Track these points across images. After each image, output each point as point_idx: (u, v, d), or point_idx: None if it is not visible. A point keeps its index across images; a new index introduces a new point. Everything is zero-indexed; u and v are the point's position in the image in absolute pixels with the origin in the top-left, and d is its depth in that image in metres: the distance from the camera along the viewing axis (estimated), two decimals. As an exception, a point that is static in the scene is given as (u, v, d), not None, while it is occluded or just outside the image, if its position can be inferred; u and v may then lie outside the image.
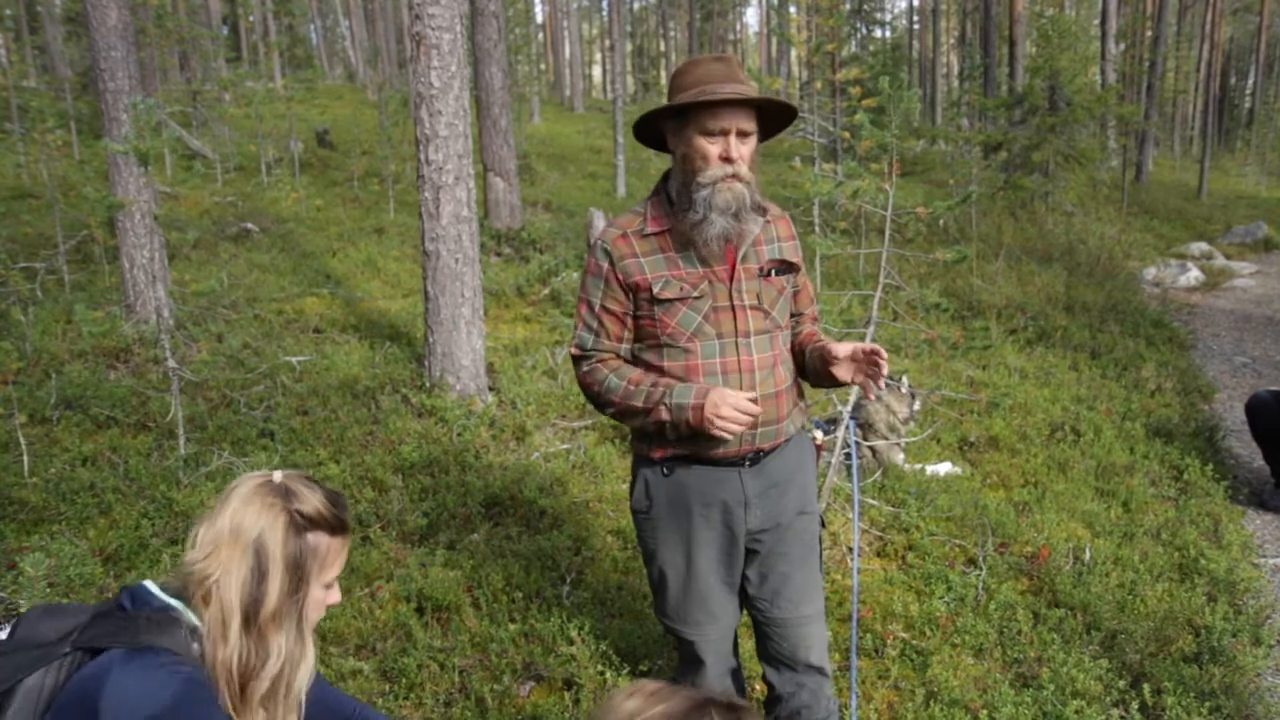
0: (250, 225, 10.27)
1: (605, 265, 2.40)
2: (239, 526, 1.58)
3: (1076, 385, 7.08)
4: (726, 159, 2.28)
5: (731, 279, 2.36)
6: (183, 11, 16.96)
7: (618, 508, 4.63)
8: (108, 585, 3.50)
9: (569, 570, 3.91)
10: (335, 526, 1.67)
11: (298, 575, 1.62)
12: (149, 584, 1.62)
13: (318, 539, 1.64)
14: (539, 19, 50.00)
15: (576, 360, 2.51)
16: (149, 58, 14.60)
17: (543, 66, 44.50)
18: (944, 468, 5.40)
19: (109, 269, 7.94)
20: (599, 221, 7.82)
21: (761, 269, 2.40)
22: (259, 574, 1.57)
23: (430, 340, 5.53)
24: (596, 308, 2.44)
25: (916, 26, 49.55)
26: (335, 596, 1.74)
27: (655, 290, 2.34)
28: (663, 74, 58.99)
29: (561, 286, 7.66)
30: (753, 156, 2.35)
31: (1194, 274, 12.56)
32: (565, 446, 5.33)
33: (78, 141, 13.62)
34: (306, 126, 16.73)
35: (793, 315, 2.58)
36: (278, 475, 1.66)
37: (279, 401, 5.44)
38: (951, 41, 47.37)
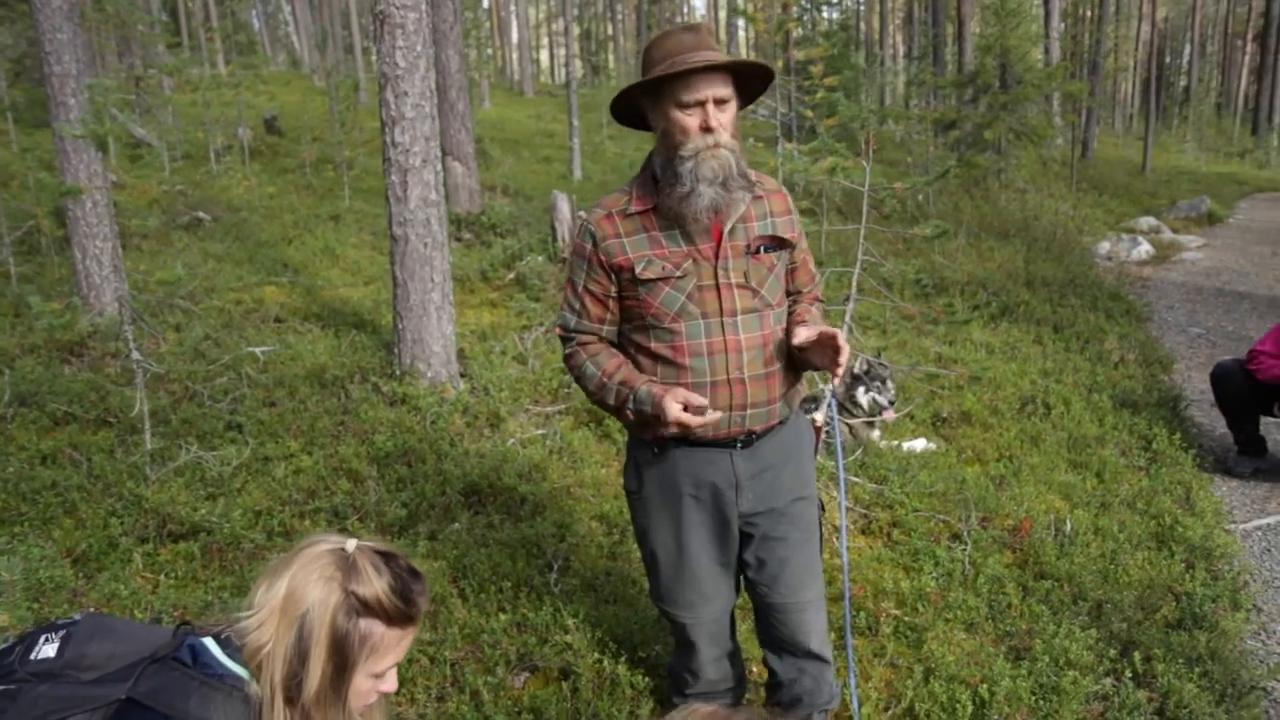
0: (202, 214, 10.02)
1: (588, 246, 2.36)
2: (293, 595, 1.47)
3: (1042, 359, 7.14)
4: (706, 128, 2.21)
5: (717, 256, 2.30)
6: (121, -5, 16.49)
7: (598, 492, 4.57)
8: (81, 589, 3.38)
9: (555, 557, 3.85)
10: (396, 616, 1.54)
11: (341, 661, 1.49)
12: (210, 644, 1.50)
13: (371, 626, 1.51)
14: (485, 3, 49.44)
15: (562, 340, 2.49)
16: (87, 43, 14.17)
17: (489, 51, 44.02)
18: (919, 444, 5.41)
19: (58, 260, 7.68)
20: (562, 204, 7.73)
21: (749, 245, 2.34)
22: (300, 653, 1.46)
23: (399, 327, 5.42)
24: (579, 288, 2.40)
25: (862, 7, 49.78)
26: (390, 685, 1.60)
27: (637, 270, 2.29)
28: (610, 57, 58.70)
29: (526, 271, 7.57)
30: (734, 123, 2.29)
31: (1145, 248, 12.77)
32: (540, 432, 5.26)
33: (15, 130, 13.19)
34: (254, 113, 16.36)
35: (789, 294, 2.53)
36: (351, 544, 1.53)
37: (245, 393, 5.30)
38: (898, 22, 47.66)
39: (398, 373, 5.48)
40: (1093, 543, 4.24)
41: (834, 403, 4.50)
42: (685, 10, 70.12)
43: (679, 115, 2.23)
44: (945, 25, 21.90)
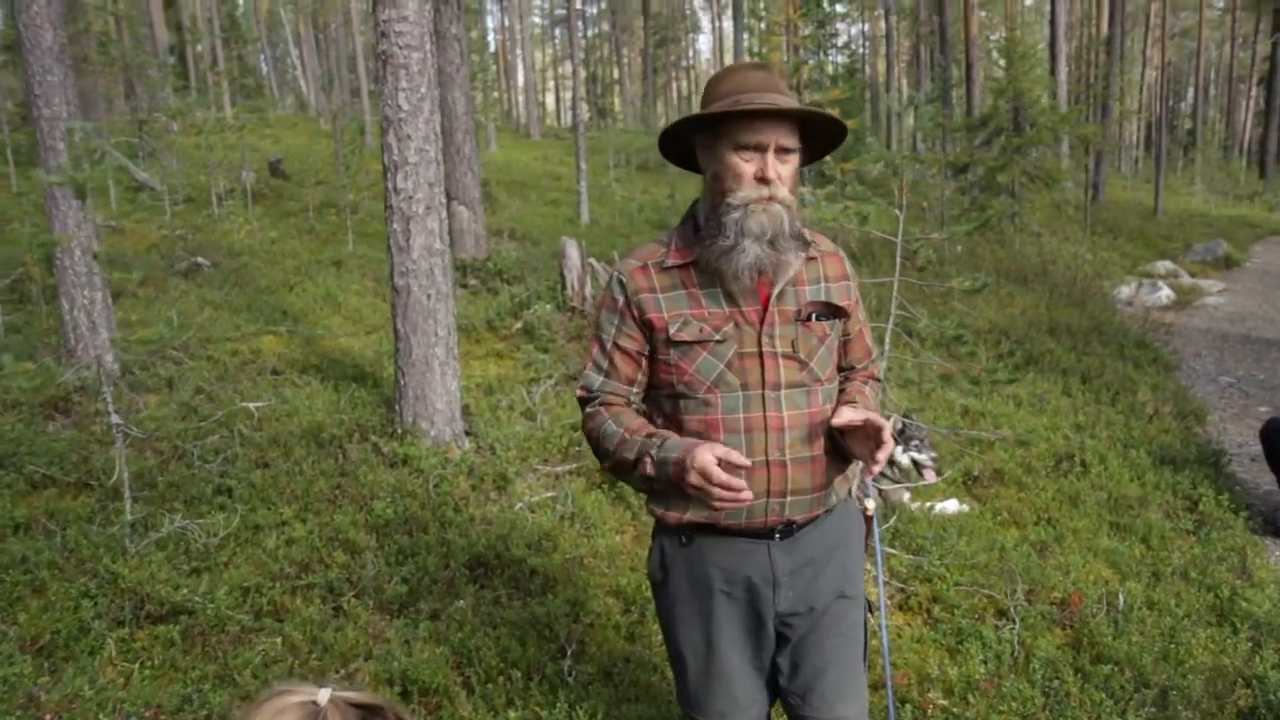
0: (201, 259, 9.79)
1: (620, 299, 2.07)
2: None
3: (1073, 412, 6.84)
4: (762, 179, 1.95)
5: (762, 322, 2.01)
6: (127, 39, 16.41)
7: (613, 563, 4.25)
8: (41, 688, 3.05)
9: (569, 640, 3.52)
10: None
11: None
12: None
13: None
14: (491, 46, 49.86)
15: (582, 403, 2.17)
16: (92, 86, 14.07)
17: (495, 94, 44.26)
18: (951, 505, 5.10)
19: (47, 309, 7.43)
20: (572, 251, 7.48)
21: (799, 312, 2.05)
22: None
23: (401, 383, 5.13)
24: (608, 345, 2.10)
25: (866, 51, 50.07)
26: None
27: (671, 331, 2.01)
28: (616, 100, 59.04)
29: (535, 320, 7.29)
30: (794, 179, 2.02)
31: (1165, 293, 12.49)
32: (550, 494, 4.95)
33: (15, 173, 13.02)
34: (259, 156, 16.22)
35: (841, 369, 2.24)
36: (324, 695, 1.24)
37: (237, 453, 5.00)
38: (903, 65, 47.87)
39: (399, 431, 5.17)
40: (1148, 618, 3.91)
41: (873, 490, 4.20)
42: (690, 55, 70.75)
43: (734, 159, 1.96)
44: (951, 69, 21.87)
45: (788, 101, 1.96)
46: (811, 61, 13.37)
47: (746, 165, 1.96)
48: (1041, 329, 9.11)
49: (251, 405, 5.65)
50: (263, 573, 3.91)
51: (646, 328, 2.06)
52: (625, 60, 55.90)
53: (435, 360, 5.11)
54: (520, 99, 53.69)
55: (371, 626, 3.60)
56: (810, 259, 2.10)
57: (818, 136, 2.08)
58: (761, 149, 1.95)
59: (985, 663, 3.53)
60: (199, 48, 26.11)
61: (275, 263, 9.88)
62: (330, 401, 5.79)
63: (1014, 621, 3.81)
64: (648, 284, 2.06)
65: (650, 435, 2.00)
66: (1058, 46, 22.40)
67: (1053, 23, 22.98)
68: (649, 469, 1.95)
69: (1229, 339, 10.55)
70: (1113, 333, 9.27)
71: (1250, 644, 3.81)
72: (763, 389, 2.02)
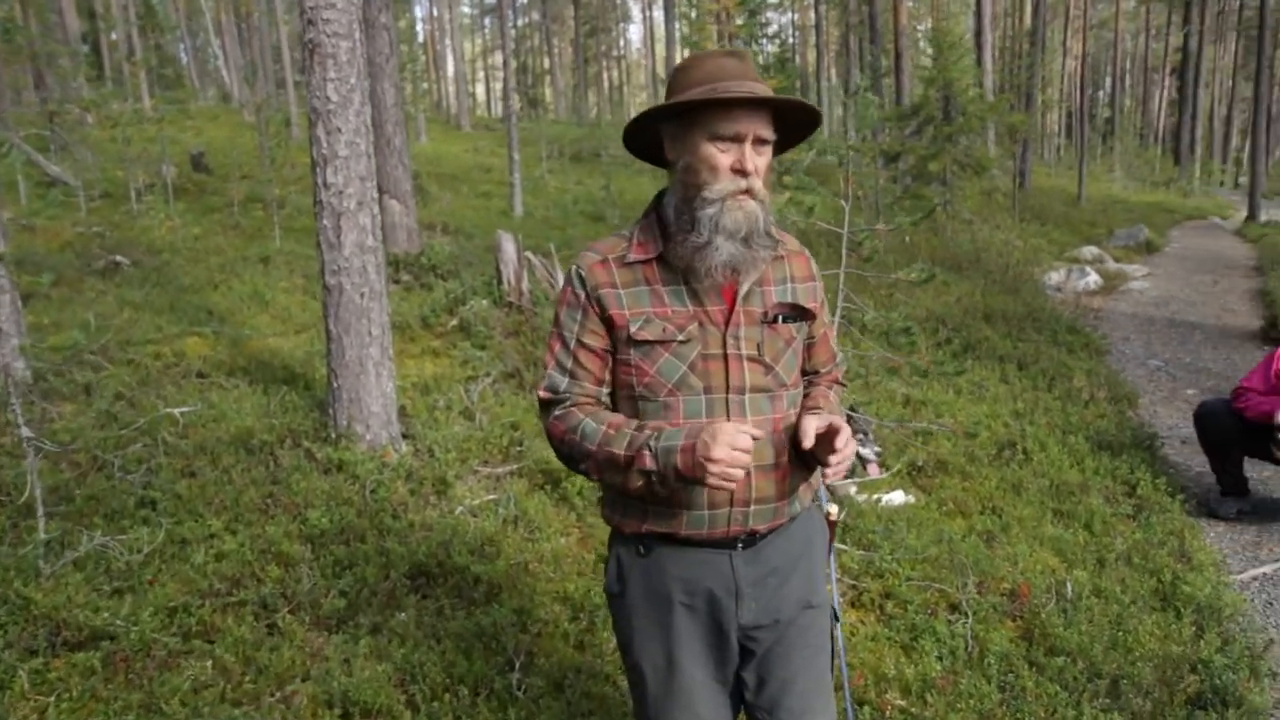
0: (120, 258, 9.38)
1: (581, 294, 1.96)
2: None
3: (1011, 400, 6.89)
4: (740, 170, 1.85)
5: (728, 322, 1.92)
6: (35, 26, 15.73)
7: (559, 568, 4.14)
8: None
9: (517, 652, 3.40)
10: None
11: None
12: None
13: None
14: (420, 37, 49.07)
15: (545, 406, 2.03)
16: (-5, 77, 13.46)
17: (425, 86, 43.55)
18: (898, 496, 5.08)
19: (-45, 314, 7.04)
20: (507, 245, 7.31)
21: (766, 313, 1.96)
22: None
23: (334, 385, 4.93)
24: (572, 343, 1.98)
25: (795, 41, 50.42)
26: None
27: (632, 329, 1.91)
28: (548, 91, 58.58)
29: (471, 316, 7.11)
30: (768, 171, 1.93)
31: (1093, 278, 12.75)
32: (492, 497, 4.81)
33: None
34: (180, 149, 15.66)
35: (806, 373, 2.15)
36: None
37: (161, 462, 4.76)
38: (832, 54, 48.26)
39: (333, 435, 4.97)
40: (1096, 606, 3.93)
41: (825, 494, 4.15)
42: (621, 44, 70.56)
43: (711, 150, 1.86)
44: (880, 58, 22.05)
45: (767, 90, 1.86)
46: (756, 48, 13.32)
47: (723, 156, 1.86)
48: (977, 316, 9.20)
49: (176, 411, 5.39)
50: (191, 590, 3.71)
51: (607, 324, 1.95)
52: (556, 50, 55.40)
53: (370, 361, 4.93)
54: (450, 90, 53.01)
55: (309, 644, 3.43)
56: (777, 258, 2.01)
57: (790, 127, 1.98)
58: (739, 140, 1.85)
59: (940, 659, 3.50)
60: (113, 36, 25.21)
61: (199, 260, 9.52)
62: (260, 405, 5.56)
63: (966, 615, 3.78)
64: (608, 279, 1.95)
65: (639, 428, 1.88)
66: (983, 37, 22.77)
67: (978, 13, 23.36)
68: (648, 462, 1.82)
69: (1155, 323, 10.79)
70: (1046, 319, 9.39)
71: (1194, 628, 3.84)
72: (726, 393, 1.93)
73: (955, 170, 14.94)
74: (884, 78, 20.56)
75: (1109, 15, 51.51)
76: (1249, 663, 3.59)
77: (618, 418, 1.94)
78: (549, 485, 5.01)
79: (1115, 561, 4.40)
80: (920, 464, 5.54)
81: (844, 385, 2.29)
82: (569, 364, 1.99)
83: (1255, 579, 4.57)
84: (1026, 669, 3.45)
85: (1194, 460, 6.16)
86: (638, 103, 73.41)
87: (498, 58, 70.97)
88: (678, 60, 29.73)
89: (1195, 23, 40.25)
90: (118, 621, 3.38)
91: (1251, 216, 22.87)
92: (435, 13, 54.24)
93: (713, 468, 1.72)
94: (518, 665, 3.33)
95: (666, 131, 1.96)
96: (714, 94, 1.82)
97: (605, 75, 66.61)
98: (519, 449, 5.39)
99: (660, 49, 56.89)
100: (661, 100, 1.95)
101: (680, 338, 1.90)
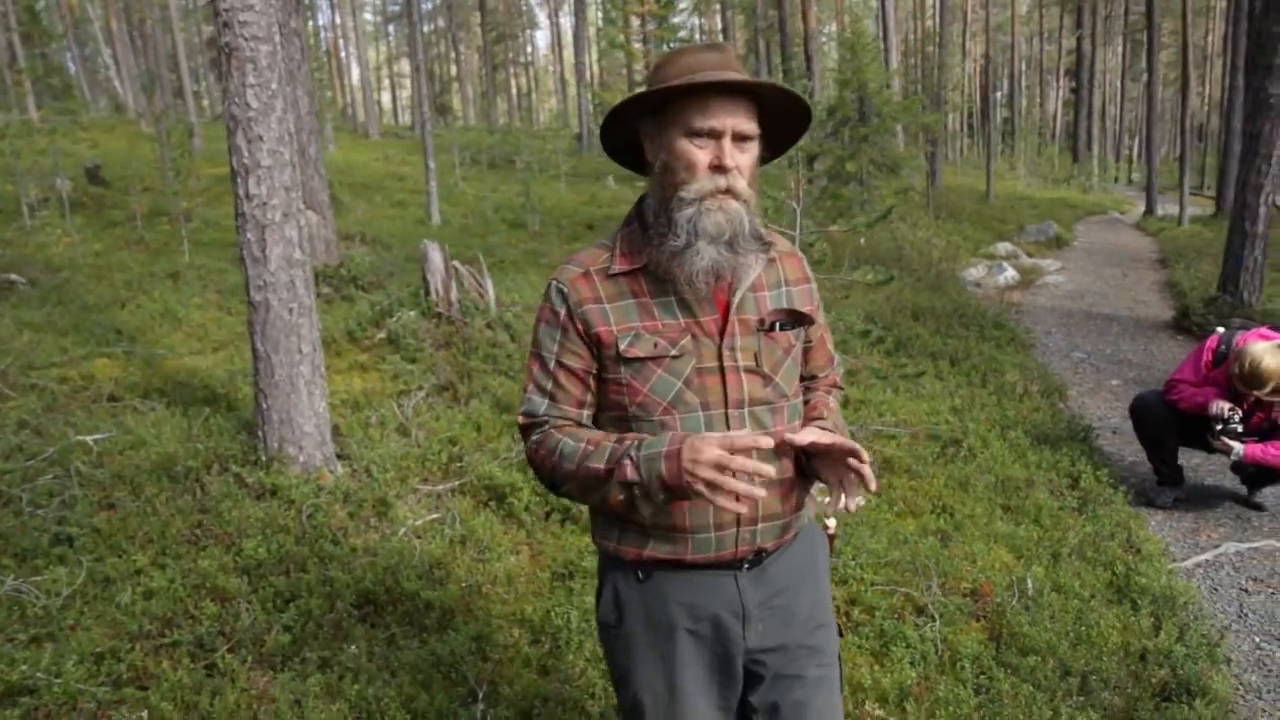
0: (15, 277, 8.86)
1: (561, 311, 1.82)
2: None
3: (948, 396, 6.93)
4: (718, 168, 1.72)
5: (722, 333, 1.80)
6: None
7: (512, 589, 3.97)
8: None
9: (478, 682, 3.22)
10: None
11: None
12: None
13: None
14: (323, 44, 48.01)
15: (526, 431, 1.89)
16: None
17: (330, 93, 42.63)
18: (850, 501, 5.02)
19: None
20: (434, 254, 7.08)
21: (762, 321, 1.84)
22: None
23: (263, 406, 4.66)
24: (551, 364, 1.84)
25: (703, 40, 50.73)
26: None
27: (622, 346, 1.77)
28: (455, 99, 57.95)
29: (399, 328, 6.86)
30: (753, 170, 1.78)
31: (1010, 273, 13.02)
32: (435, 516, 4.61)
33: None
34: (74, 162, 14.93)
35: (803, 378, 2.04)
36: None
37: (76, 495, 4.43)
38: (740, 58, 48.66)
39: (263, 459, 4.70)
40: (1056, 602, 3.92)
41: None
42: (529, 51, 70.22)
43: (687, 146, 1.73)
44: (792, 61, 22.26)
45: (747, 79, 1.73)
46: (665, 49, 13.23)
47: (700, 153, 1.73)
48: (906, 314, 9.28)
49: (89, 438, 5.07)
50: (119, 634, 3.43)
51: (593, 343, 1.81)
52: (463, 58, 54.81)
53: (300, 379, 4.68)
54: (358, 97, 51.99)
55: (254, 685, 3.19)
56: (770, 261, 1.89)
57: (778, 123, 1.86)
58: (716, 135, 1.72)
59: (914, 665, 3.43)
60: (-4, 45, 24.04)
61: (102, 277, 9.04)
62: (181, 429, 5.25)
63: (934, 618, 3.73)
64: (592, 293, 1.81)
65: (620, 440, 1.74)
66: (889, 40, 23.22)
67: (883, 17, 23.83)
68: (629, 473, 1.67)
69: (1073, 315, 11.05)
70: (972, 315, 9.53)
71: (1152, 619, 3.87)
72: (725, 408, 1.80)
73: (871, 170, 15.12)
74: (799, 80, 20.77)
75: (1005, 19, 53.16)
76: (1207, 651, 3.63)
77: (597, 434, 1.81)
78: (494, 501, 4.83)
79: (1069, 556, 4.41)
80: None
81: (842, 389, 2.18)
82: (548, 386, 1.85)
83: (1199, 565, 4.64)
84: (1000, 671, 3.40)
85: (1125, 450, 6.27)
86: (547, 108, 73.13)
87: (403, 65, 70.02)
88: (588, 64, 29.58)
89: (1087, 26, 41.76)
90: (38, 674, 3.10)
91: (1149, 211, 23.75)
92: (338, 20, 53.24)
93: (702, 471, 1.57)
94: (481, 696, 3.15)
95: (644, 131, 1.83)
96: (684, 80, 1.70)
97: (513, 82, 66.19)
98: (459, 465, 5.19)
99: (568, 55, 56.80)
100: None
101: (673, 352, 1.78)
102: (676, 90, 1.72)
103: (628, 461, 1.68)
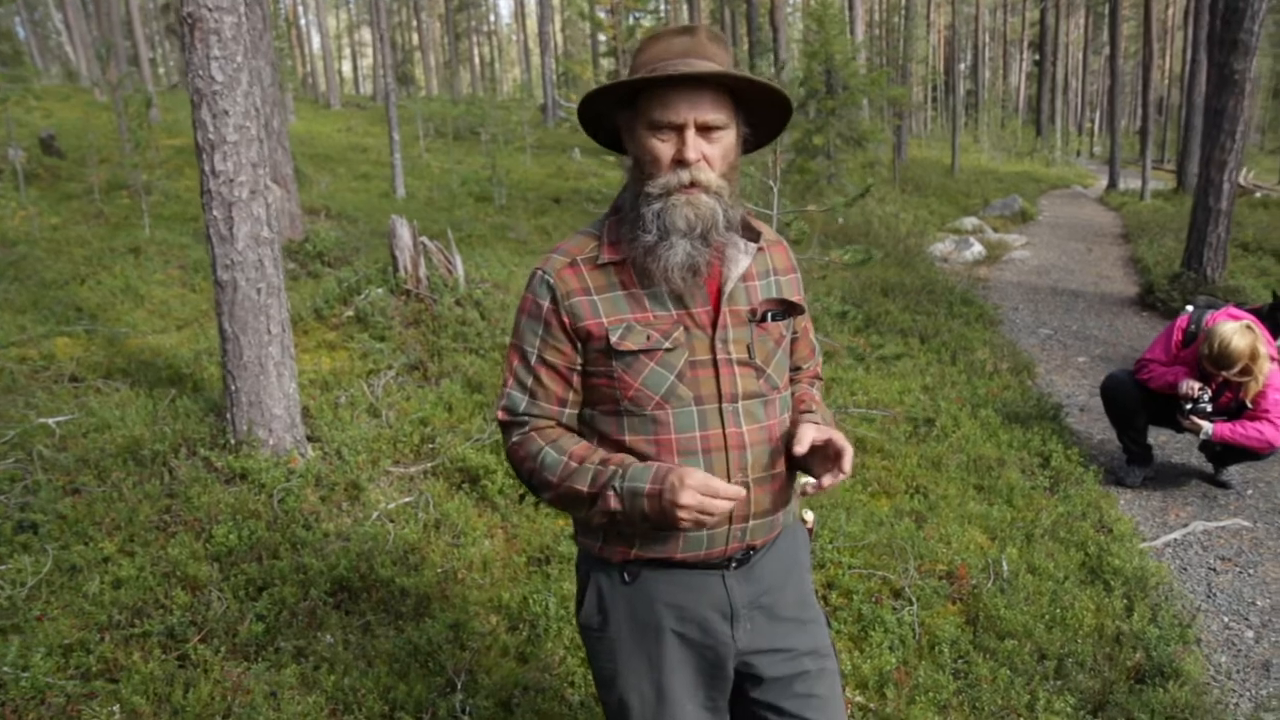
0: (-32, 252, 8.63)
1: (546, 303, 1.77)
2: None
3: (918, 373, 6.95)
4: (680, 161, 1.67)
5: (714, 325, 1.76)
6: None
7: (489, 574, 3.93)
8: None
9: (457, 671, 3.19)
10: None
11: None
12: None
13: None
14: (282, 12, 47.01)
15: (505, 428, 1.85)
16: None
17: (289, 62, 41.80)
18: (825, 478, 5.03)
19: None
20: (402, 230, 6.96)
21: (754, 311, 1.81)
22: None
23: (231, 388, 4.56)
24: (533, 359, 1.80)
25: (667, 13, 50.32)
26: None
27: (613, 339, 1.73)
28: (418, 69, 57.09)
29: (367, 306, 6.75)
30: (726, 159, 1.73)
31: (977, 249, 13.07)
32: (408, 499, 4.56)
33: None
34: (27, 132, 14.55)
35: (789, 369, 2.01)
36: None
37: (39, 479, 4.31)
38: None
39: (232, 442, 4.60)
40: (1031, 583, 3.95)
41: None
42: (492, 19, 69.27)
43: (651, 141, 1.69)
44: (759, 33, 22.14)
45: (705, 65, 1.67)
46: (632, 20, 13.10)
47: (664, 147, 1.68)
48: (876, 291, 9.29)
49: (51, 421, 4.95)
50: (87, 624, 3.35)
51: (581, 337, 1.76)
52: (425, 26, 53.89)
53: (270, 361, 4.58)
54: (319, 67, 51.10)
55: (227, 676, 3.13)
56: (758, 250, 1.85)
57: (756, 111, 1.79)
58: (676, 127, 1.67)
59: (892, 650, 3.44)
60: (-56, 10, 23.28)
61: (61, 252, 8.82)
62: (147, 411, 5.13)
63: (911, 602, 3.75)
64: (580, 285, 1.76)
65: (604, 462, 1.72)
66: (854, 11, 23.15)
67: (849, -12, 23.74)
68: (612, 503, 1.68)
69: (1039, 291, 11.13)
70: (941, 291, 9.56)
71: (1125, 600, 3.91)
72: (719, 402, 1.77)
73: (838, 143, 15.10)
74: (766, 51, 20.66)
75: (969, -11, 53.19)
76: (1179, 633, 3.67)
77: (580, 447, 1.77)
78: (467, 484, 4.78)
79: (1042, 537, 4.45)
80: (840, 444, 5.50)
81: (821, 380, 2.16)
82: (529, 382, 1.81)
83: (1168, 545, 4.70)
84: (977, 655, 3.43)
85: (1094, 428, 6.33)
86: (511, 78, 72.28)
87: (364, 33, 68.86)
88: (551, 33, 29.22)
89: (1050, -2, 41.86)
90: (5, 667, 3.02)
91: (1112, 185, 23.95)
92: (298, -15, 52.15)
93: (682, 513, 1.62)
94: (459, 685, 3.12)
95: (620, 120, 1.79)
96: (641, 74, 1.68)
97: (476, 51, 65.30)
98: (431, 446, 5.13)
99: (532, 24, 56.11)
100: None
101: (666, 345, 1.73)
102: (633, 85, 1.69)
103: (611, 493, 1.68)
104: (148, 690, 3.04)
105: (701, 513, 1.61)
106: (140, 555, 3.77)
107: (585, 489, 1.71)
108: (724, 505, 1.62)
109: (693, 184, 1.68)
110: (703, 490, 1.61)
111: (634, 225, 1.72)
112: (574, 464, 1.73)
